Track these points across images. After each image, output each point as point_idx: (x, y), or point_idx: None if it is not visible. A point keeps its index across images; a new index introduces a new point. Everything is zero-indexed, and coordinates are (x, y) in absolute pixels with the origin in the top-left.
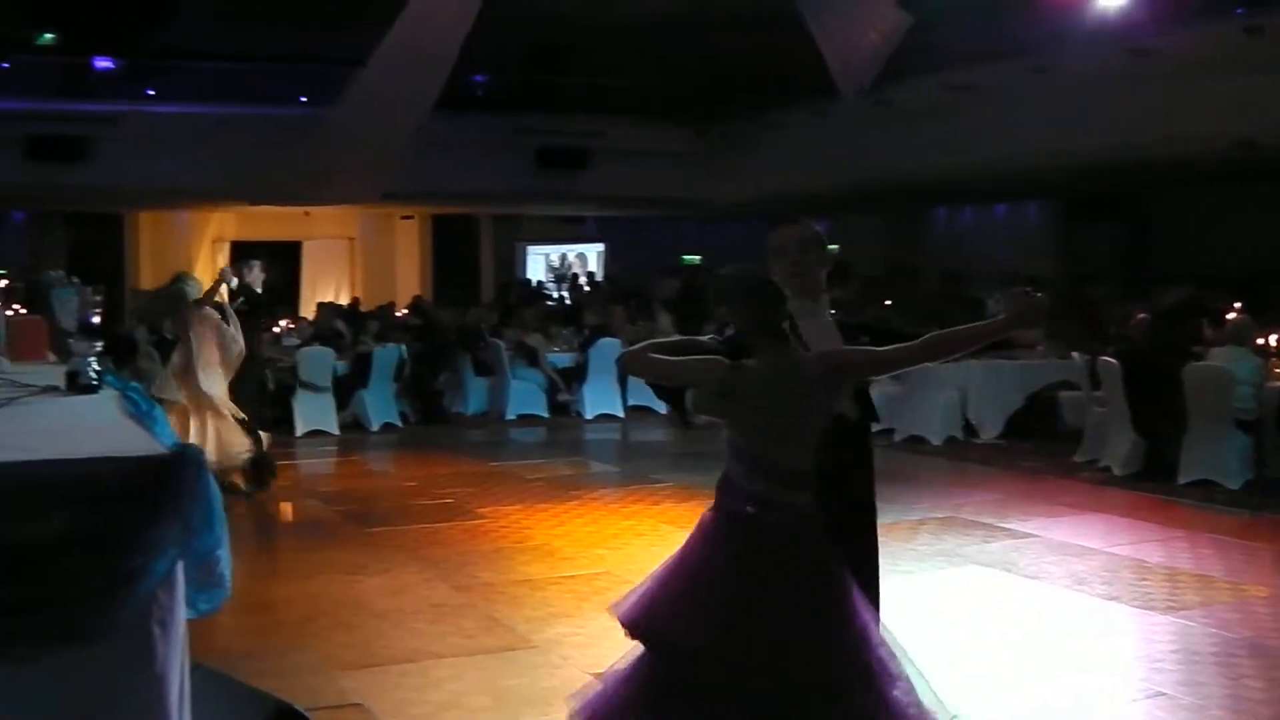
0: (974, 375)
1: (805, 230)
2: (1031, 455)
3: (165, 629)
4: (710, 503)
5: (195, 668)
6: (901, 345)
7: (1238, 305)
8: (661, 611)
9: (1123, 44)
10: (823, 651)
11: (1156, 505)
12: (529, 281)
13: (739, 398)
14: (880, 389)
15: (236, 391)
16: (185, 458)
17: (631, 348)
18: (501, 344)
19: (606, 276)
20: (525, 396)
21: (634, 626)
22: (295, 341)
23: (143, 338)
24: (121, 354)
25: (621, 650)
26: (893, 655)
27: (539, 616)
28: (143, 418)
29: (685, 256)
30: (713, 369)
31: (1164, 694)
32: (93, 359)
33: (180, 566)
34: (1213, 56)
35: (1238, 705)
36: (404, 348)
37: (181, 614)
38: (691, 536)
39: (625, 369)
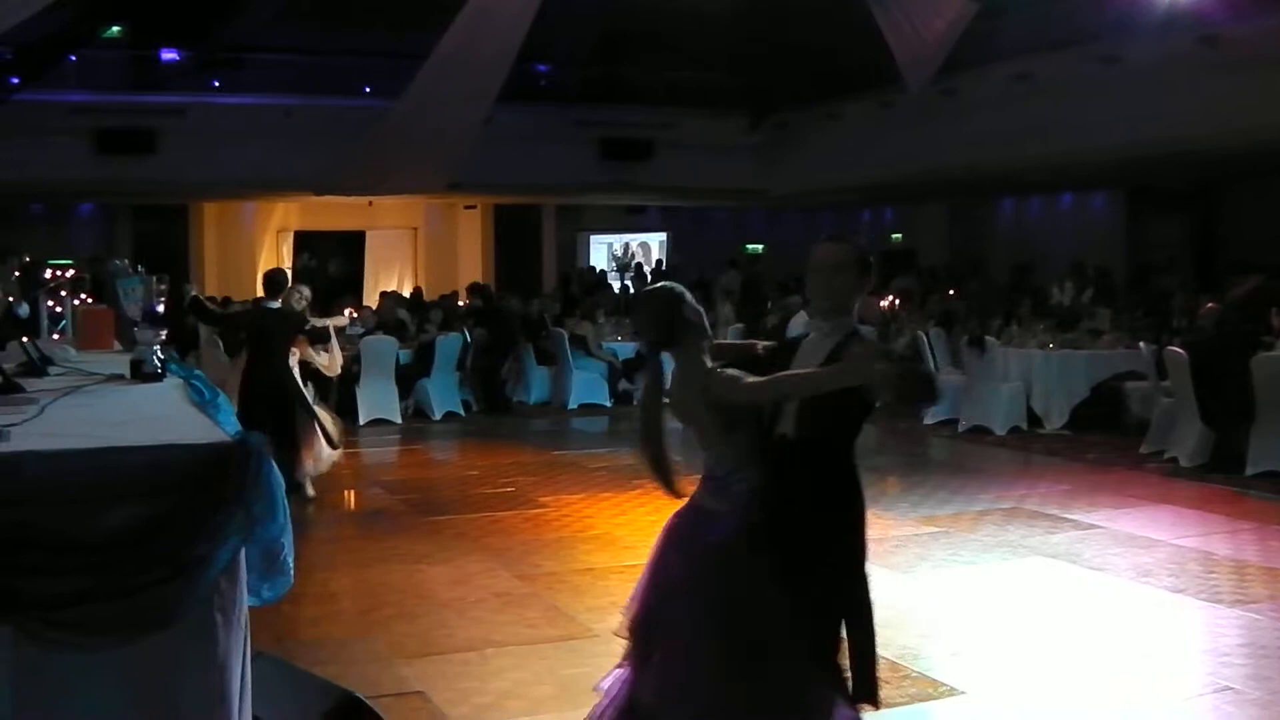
0: (1039, 365)
1: (842, 254)
2: (1097, 446)
3: (227, 617)
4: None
5: (258, 656)
6: (751, 381)
7: None
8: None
9: (1192, 32)
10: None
11: (1224, 497)
12: (593, 269)
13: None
14: (945, 378)
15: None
16: (248, 446)
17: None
18: (564, 333)
19: (670, 266)
20: (587, 385)
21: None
22: (359, 331)
23: (205, 331)
24: (187, 343)
25: None
26: None
27: (601, 606)
28: (206, 406)
29: (748, 246)
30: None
31: (1231, 688)
32: (157, 348)
33: (243, 555)
34: None
35: None
36: (467, 334)
37: (244, 602)
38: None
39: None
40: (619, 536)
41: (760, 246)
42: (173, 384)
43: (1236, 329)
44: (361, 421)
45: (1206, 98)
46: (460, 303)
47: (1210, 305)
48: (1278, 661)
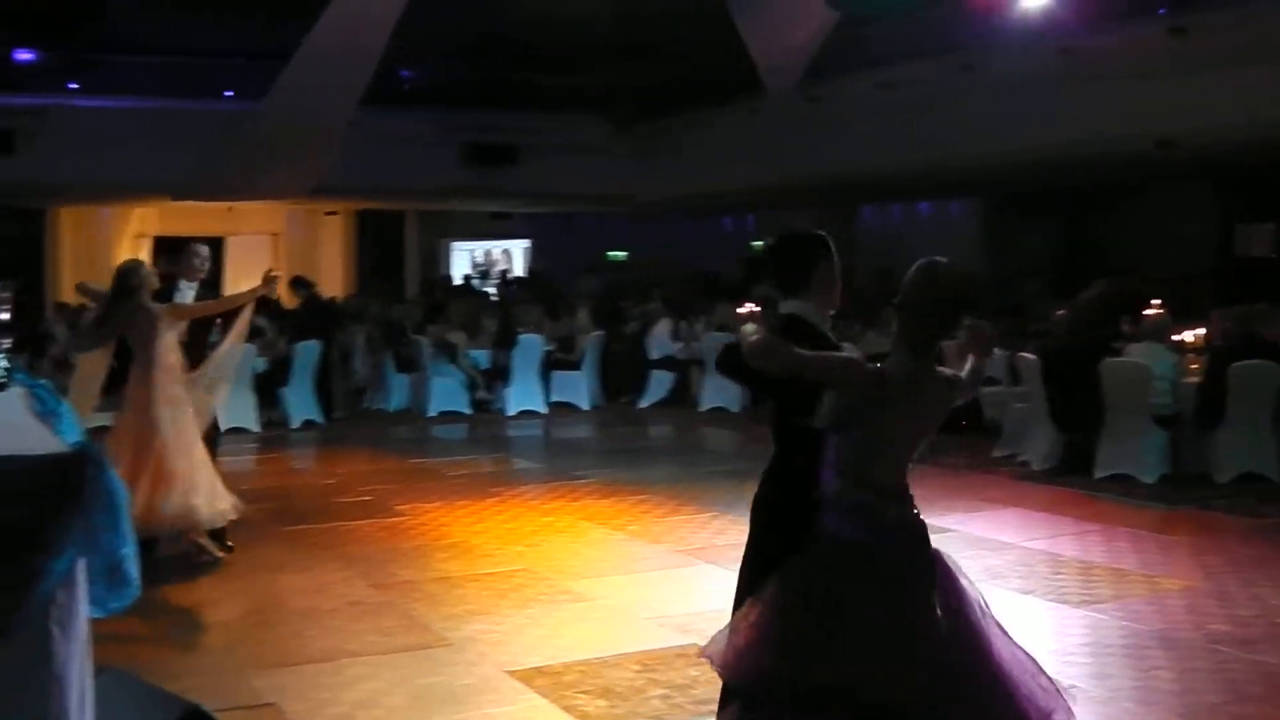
0: None
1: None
2: (952, 450)
3: (65, 629)
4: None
5: (102, 669)
6: None
7: (1156, 302)
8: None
9: (1049, 44)
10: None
11: (1074, 499)
12: (450, 278)
13: (888, 404)
14: None
15: None
16: (86, 456)
17: (759, 337)
18: (424, 341)
19: (531, 272)
20: (447, 393)
21: (740, 673)
22: (215, 339)
23: (62, 334)
24: (36, 351)
25: (536, 646)
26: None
27: (456, 614)
28: (48, 415)
29: (610, 253)
30: (860, 371)
31: (1075, 686)
32: (0, 356)
33: (82, 566)
34: (1136, 57)
35: (1147, 697)
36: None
37: (83, 614)
38: (791, 568)
39: (751, 358)
40: (475, 545)
41: (624, 253)
42: (15, 393)
43: (1085, 334)
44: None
45: (1065, 108)
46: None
47: (1061, 311)
48: (1120, 660)
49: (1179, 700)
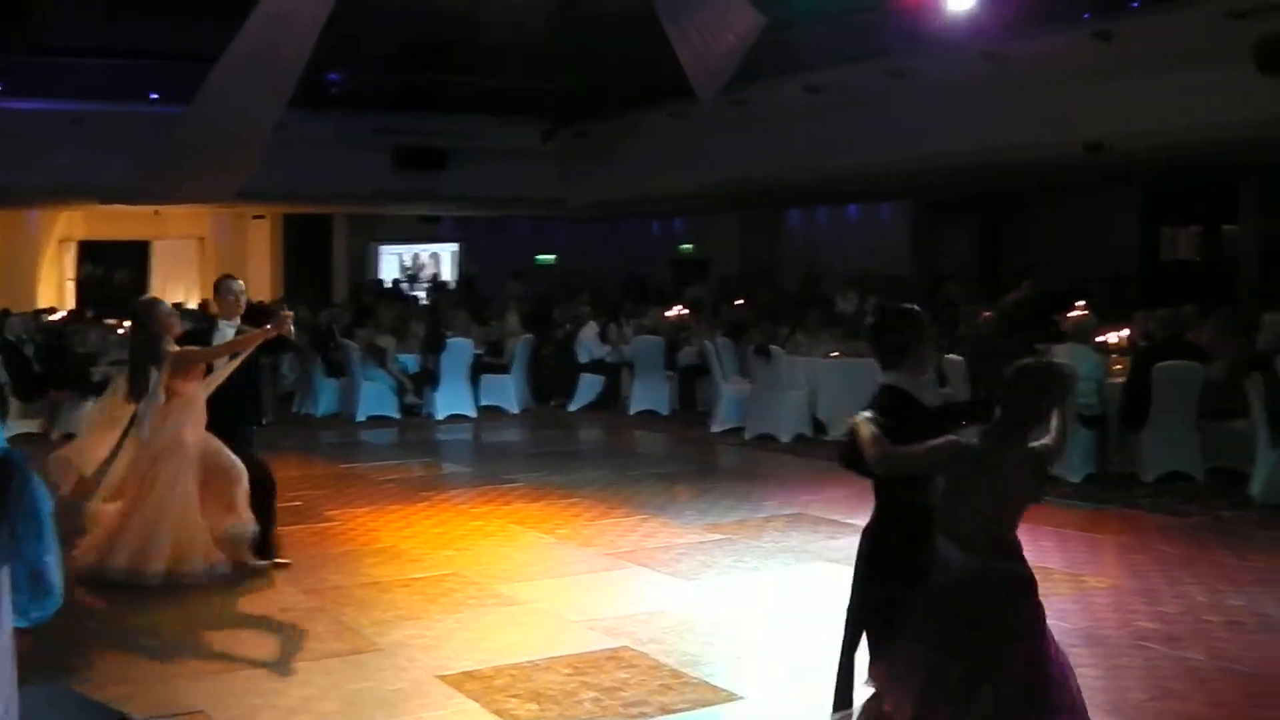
0: (824, 373)
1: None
2: None
3: None
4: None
5: (29, 679)
6: None
7: (1080, 303)
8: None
9: (975, 48)
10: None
11: None
12: (379, 282)
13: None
14: (734, 388)
15: None
16: (9, 464)
17: (878, 451)
18: (353, 345)
19: (463, 276)
20: (376, 398)
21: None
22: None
23: None
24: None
25: (466, 650)
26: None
27: (386, 619)
28: None
29: (539, 257)
30: (963, 454)
31: None
32: None
33: (5, 574)
34: (1062, 62)
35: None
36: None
37: (7, 624)
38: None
39: (876, 466)
40: (405, 549)
41: (552, 257)
42: None
43: (1010, 336)
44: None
45: (991, 112)
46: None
47: (986, 314)
48: None
49: (1106, 697)
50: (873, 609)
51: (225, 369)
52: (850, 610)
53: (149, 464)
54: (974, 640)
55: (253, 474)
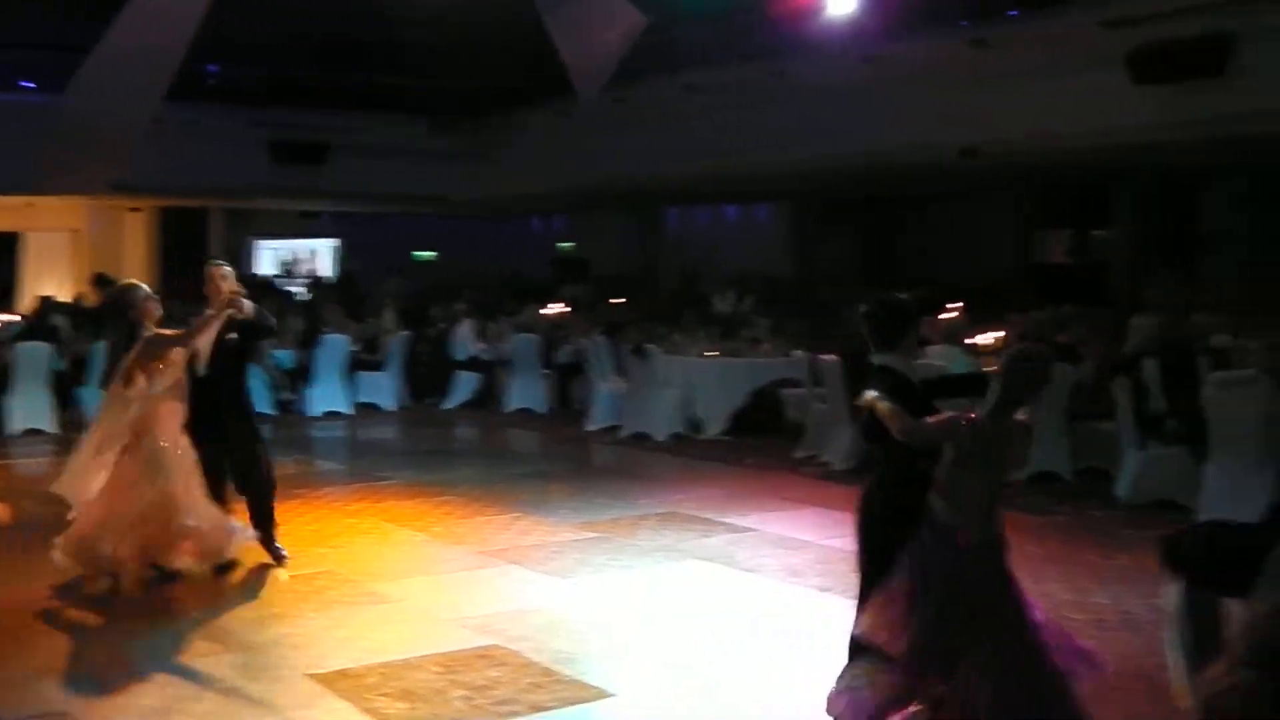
0: (699, 372)
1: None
2: (755, 451)
3: None
4: None
5: None
6: None
7: (951, 305)
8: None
9: (856, 53)
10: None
11: None
12: (256, 277)
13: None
14: (610, 387)
15: None
16: None
17: (903, 425)
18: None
19: (341, 272)
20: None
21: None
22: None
23: None
24: None
25: (338, 649)
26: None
27: (258, 618)
28: None
29: (418, 253)
30: (967, 428)
31: None
32: None
33: None
34: (940, 67)
35: None
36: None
37: None
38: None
39: (901, 436)
40: (292, 552)
41: (433, 254)
42: None
43: None
44: (14, 431)
45: (870, 116)
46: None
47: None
48: None
49: None
50: (868, 560)
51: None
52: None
53: (127, 458)
54: (967, 601)
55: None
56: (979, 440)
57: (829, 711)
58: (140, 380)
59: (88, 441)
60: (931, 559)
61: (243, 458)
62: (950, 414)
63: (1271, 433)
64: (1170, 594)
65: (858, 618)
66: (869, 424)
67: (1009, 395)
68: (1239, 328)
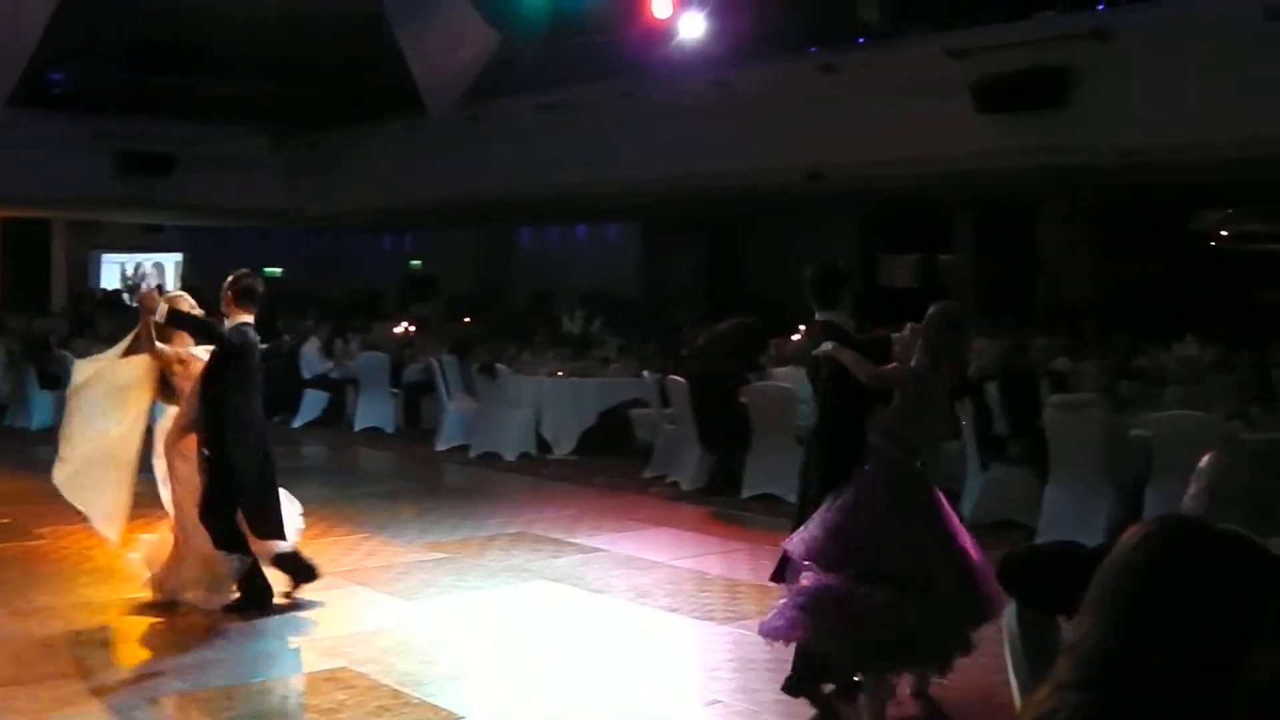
0: (549, 392)
1: None
2: (604, 471)
3: None
4: None
5: None
6: None
7: (801, 328)
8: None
9: (705, 75)
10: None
11: (721, 519)
12: (99, 291)
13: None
14: (459, 406)
15: None
16: None
17: (872, 369)
18: (70, 356)
19: (186, 287)
20: None
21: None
22: None
23: None
24: None
25: (181, 673)
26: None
27: (98, 640)
28: None
29: (266, 269)
30: (911, 375)
31: (720, 701)
32: None
33: None
34: (788, 92)
35: (789, 710)
36: None
37: None
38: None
39: (869, 381)
40: (120, 569)
41: (279, 270)
42: None
43: (723, 362)
44: None
45: (719, 138)
46: None
47: (700, 339)
48: (764, 674)
49: (784, 707)
50: (811, 492)
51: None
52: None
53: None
54: (902, 520)
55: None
56: (920, 386)
57: (762, 633)
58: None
59: None
60: (871, 488)
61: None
62: (898, 365)
63: (1110, 454)
64: (1007, 614)
65: (793, 538)
66: (829, 374)
67: (935, 351)
68: (1076, 352)
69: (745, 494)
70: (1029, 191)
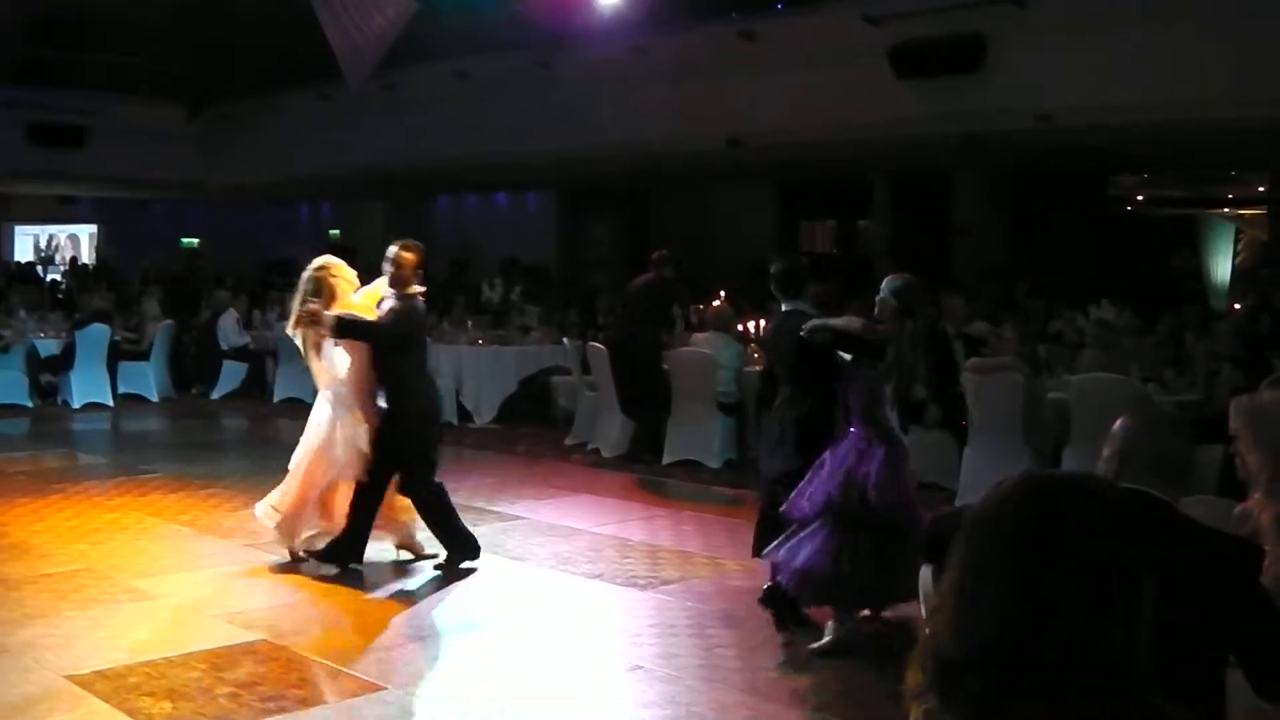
0: (469, 361)
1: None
2: (525, 439)
3: None
4: None
5: None
6: None
7: (722, 294)
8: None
9: (623, 41)
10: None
11: (643, 485)
12: (11, 264)
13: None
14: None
15: None
16: None
17: (871, 329)
18: None
19: (100, 260)
20: (5, 385)
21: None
22: None
23: None
24: None
25: (98, 649)
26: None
27: (13, 619)
28: None
29: (183, 240)
30: (889, 336)
31: (641, 667)
32: None
33: None
34: (708, 58)
35: (710, 674)
36: None
37: None
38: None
39: (874, 341)
40: (35, 544)
41: (196, 241)
42: None
43: (638, 326)
44: None
45: (638, 105)
46: None
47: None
48: (686, 639)
49: (740, 676)
50: (776, 478)
51: None
52: (765, 478)
53: None
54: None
55: None
56: (901, 346)
57: (765, 555)
58: None
59: None
60: (853, 443)
61: None
62: (885, 324)
63: (1028, 417)
64: (922, 577)
65: (791, 498)
66: (821, 346)
67: (898, 309)
68: (995, 316)
69: (666, 460)
70: (949, 157)
